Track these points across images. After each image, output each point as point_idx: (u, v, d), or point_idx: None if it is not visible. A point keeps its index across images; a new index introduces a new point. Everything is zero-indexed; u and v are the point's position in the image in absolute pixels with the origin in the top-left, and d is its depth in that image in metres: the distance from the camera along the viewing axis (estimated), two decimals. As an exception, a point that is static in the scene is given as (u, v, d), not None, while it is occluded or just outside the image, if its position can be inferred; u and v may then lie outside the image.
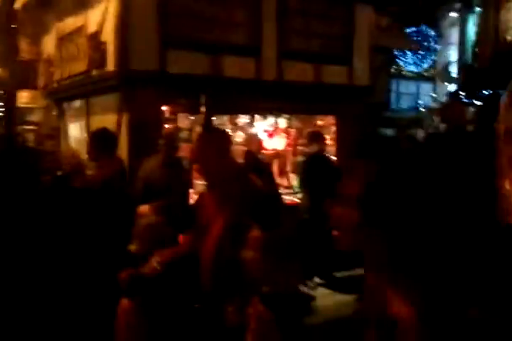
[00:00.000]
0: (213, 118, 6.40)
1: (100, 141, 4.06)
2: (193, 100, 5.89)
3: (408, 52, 14.21)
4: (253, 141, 6.37)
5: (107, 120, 5.72)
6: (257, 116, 7.33)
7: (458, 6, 14.52)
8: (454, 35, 15.37)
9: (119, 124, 5.54)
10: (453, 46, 15.31)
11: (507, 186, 1.34)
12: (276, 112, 7.26)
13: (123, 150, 5.43)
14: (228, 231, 2.58)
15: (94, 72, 6.13)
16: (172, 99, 5.74)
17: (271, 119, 7.40)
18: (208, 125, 5.83)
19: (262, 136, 7.21)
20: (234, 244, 2.50)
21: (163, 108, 5.76)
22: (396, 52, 13.90)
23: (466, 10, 14.24)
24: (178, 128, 6.41)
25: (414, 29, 13.94)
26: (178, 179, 5.49)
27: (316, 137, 6.52)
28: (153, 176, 4.89)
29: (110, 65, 5.78)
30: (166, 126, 6.04)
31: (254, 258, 2.41)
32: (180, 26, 5.91)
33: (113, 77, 5.74)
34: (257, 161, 6.17)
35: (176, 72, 5.76)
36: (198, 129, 6.81)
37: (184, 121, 6.45)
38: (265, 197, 3.84)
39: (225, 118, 6.99)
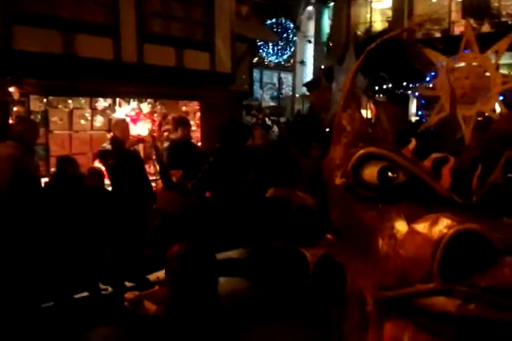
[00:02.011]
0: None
1: None
2: (47, 81, 5.50)
3: (269, 43, 14.70)
4: (121, 126, 6.12)
5: None
6: (118, 101, 7.06)
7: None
8: (311, 28, 16.24)
9: (-42, 106, 4.98)
10: (311, 39, 16.17)
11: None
12: (139, 96, 7.06)
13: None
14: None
15: None
16: (21, 79, 5.29)
17: (133, 104, 7.18)
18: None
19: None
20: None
21: (11, 89, 5.29)
22: (258, 43, 14.30)
23: (320, 4, 15.10)
24: (29, 111, 5.95)
25: (274, 21, 14.44)
26: (37, 167, 5.22)
27: (181, 123, 6.47)
28: (20, 165, 4.60)
29: None
30: (15, 108, 5.58)
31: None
32: (28, 1, 5.45)
33: (-50, 53, 5.14)
34: (123, 147, 5.95)
35: (24, 49, 5.31)
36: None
37: (37, 103, 6.00)
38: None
39: (83, 100, 6.64)
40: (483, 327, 1.24)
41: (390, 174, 1.49)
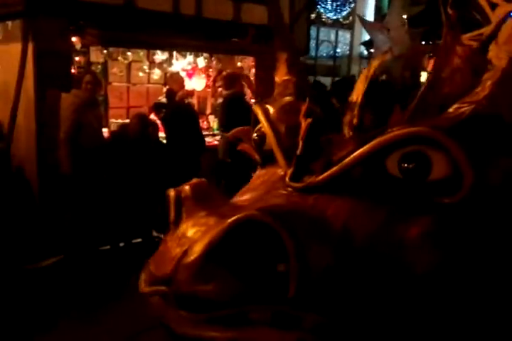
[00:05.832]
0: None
1: None
2: (107, 32, 5.57)
3: (328, -1, 14.15)
4: (176, 79, 6.18)
5: (11, 50, 5.30)
6: (175, 54, 7.09)
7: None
8: (372, -17, 15.47)
9: (24, 54, 5.13)
10: (371, -5, 15.45)
11: None
12: (195, 50, 7.04)
13: (29, 81, 5.10)
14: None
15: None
16: (83, 29, 5.38)
17: (190, 58, 7.19)
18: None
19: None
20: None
21: (73, 39, 5.39)
22: (316, -2, 13.79)
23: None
24: (90, 62, 6.08)
25: (334, -25, 13.85)
26: (100, 118, 5.40)
27: (235, 79, 6.45)
28: (84, 116, 4.79)
29: (13, -10, 5.28)
30: (77, 58, 5.71)
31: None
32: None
33: (17, 2, 5.25)
34: (178, 101, 6.02)
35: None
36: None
37: (97, 54, 6.12)
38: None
39: (142, 53, 6.70)
40: None
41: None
